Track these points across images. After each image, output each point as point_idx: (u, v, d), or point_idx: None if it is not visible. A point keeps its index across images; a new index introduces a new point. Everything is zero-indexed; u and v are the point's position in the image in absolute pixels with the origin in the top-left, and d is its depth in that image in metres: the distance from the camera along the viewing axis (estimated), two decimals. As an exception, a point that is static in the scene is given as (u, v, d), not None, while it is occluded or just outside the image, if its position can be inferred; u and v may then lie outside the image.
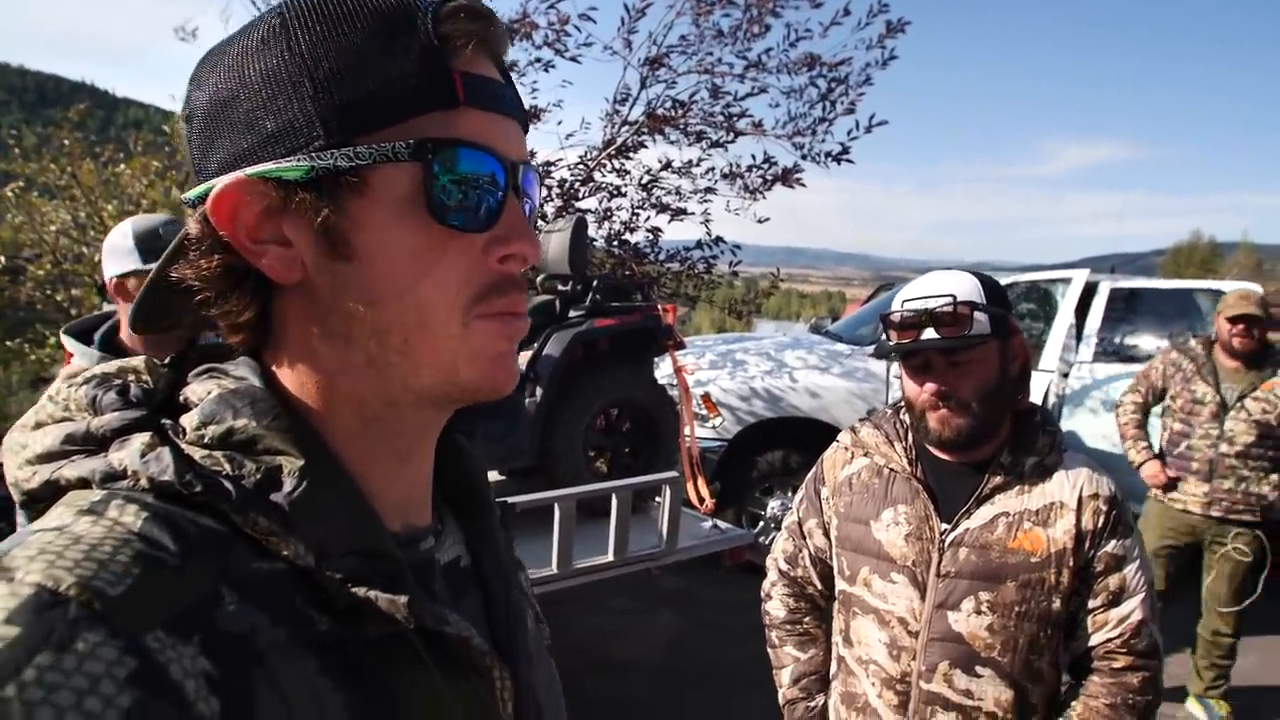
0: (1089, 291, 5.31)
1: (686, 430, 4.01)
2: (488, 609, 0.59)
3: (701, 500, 3.84)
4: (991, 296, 1.42)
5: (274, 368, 0.51)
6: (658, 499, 3.40)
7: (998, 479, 1.43)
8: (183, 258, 0.50)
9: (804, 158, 5.82)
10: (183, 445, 0.45)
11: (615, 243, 6.35)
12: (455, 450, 0.62)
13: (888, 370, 5.19)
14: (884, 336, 1.50)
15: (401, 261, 0.47)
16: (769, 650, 1.70)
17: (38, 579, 0.37)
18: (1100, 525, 1.39)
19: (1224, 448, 3.45)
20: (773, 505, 5.08)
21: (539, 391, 3.66)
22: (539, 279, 4.28)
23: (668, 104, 5.87)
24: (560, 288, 4.10)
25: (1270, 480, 3.43)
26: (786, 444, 5.07)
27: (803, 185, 5.81)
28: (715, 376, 5.30)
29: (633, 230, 6.37)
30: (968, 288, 1.42)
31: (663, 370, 4.78)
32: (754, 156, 6.03)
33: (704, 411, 5.02)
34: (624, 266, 6.21)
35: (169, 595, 0.39)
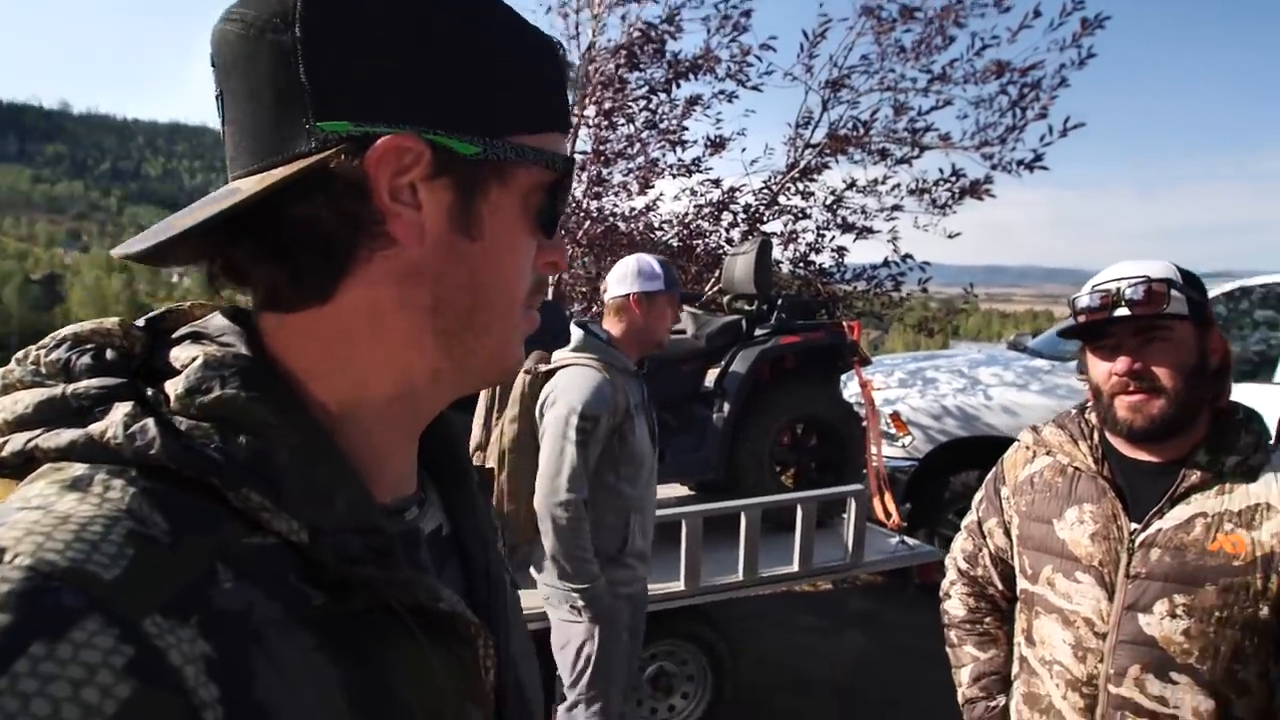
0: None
1: (873, 447, 3.99)
2: (467, 576, 0.59)
3: (888, 516, 3.79)
4: (1188, 284, 1.38)
5: (277, 334, 0.49)
6: (843, 514, 3.42)
7: (1194, 478, 1.38)
8: (311, 196, 0.45)
9: (994, 168, 5.62)
10: (167, 416, 0.43)
11: (801, 264, 6.40)
12: (435, 417, 0.61)
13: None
14: (1072, 320, 1.45)
15: (514, 252, 0.52)
16: (947, 650, 1.71)
17: (28, 562, 0.35)
18: (1314, 530, 1.31)
19: None
20: (968, 528, 4.88)
21: (726, 407, 3.80)
22: (726, 299, 4.45)
23: (850, 124, 5.88)
24: (746, 307, 4.24)
25: None
26: (981, 464, 4.86)
27: (992, 196, 5.60)
28: (905, 395, 5.19)
29: (818, 251, 6.40)
30: (1161, 269, 1.38)
31: (850, 388, 4.77)
32: (941, 171, 5.90)
33: (893, 430, 4.94)
34: (810, 287, 6.24)
35: (164, 576, 0.38)
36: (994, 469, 1.69)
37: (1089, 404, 1.59)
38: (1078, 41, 5.19)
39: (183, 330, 0.50)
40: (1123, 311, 1.37)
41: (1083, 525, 1.46)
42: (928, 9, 5.43)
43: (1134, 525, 1.41)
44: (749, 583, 3.15)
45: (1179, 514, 1.38)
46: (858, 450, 4.02)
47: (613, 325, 2.43)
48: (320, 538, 0.44)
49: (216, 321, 0.50)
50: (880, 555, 3.48)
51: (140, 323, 0.50)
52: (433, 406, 0.55)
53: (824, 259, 6.40)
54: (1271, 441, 1.44)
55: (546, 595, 2.36)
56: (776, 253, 6.15)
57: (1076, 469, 1.51)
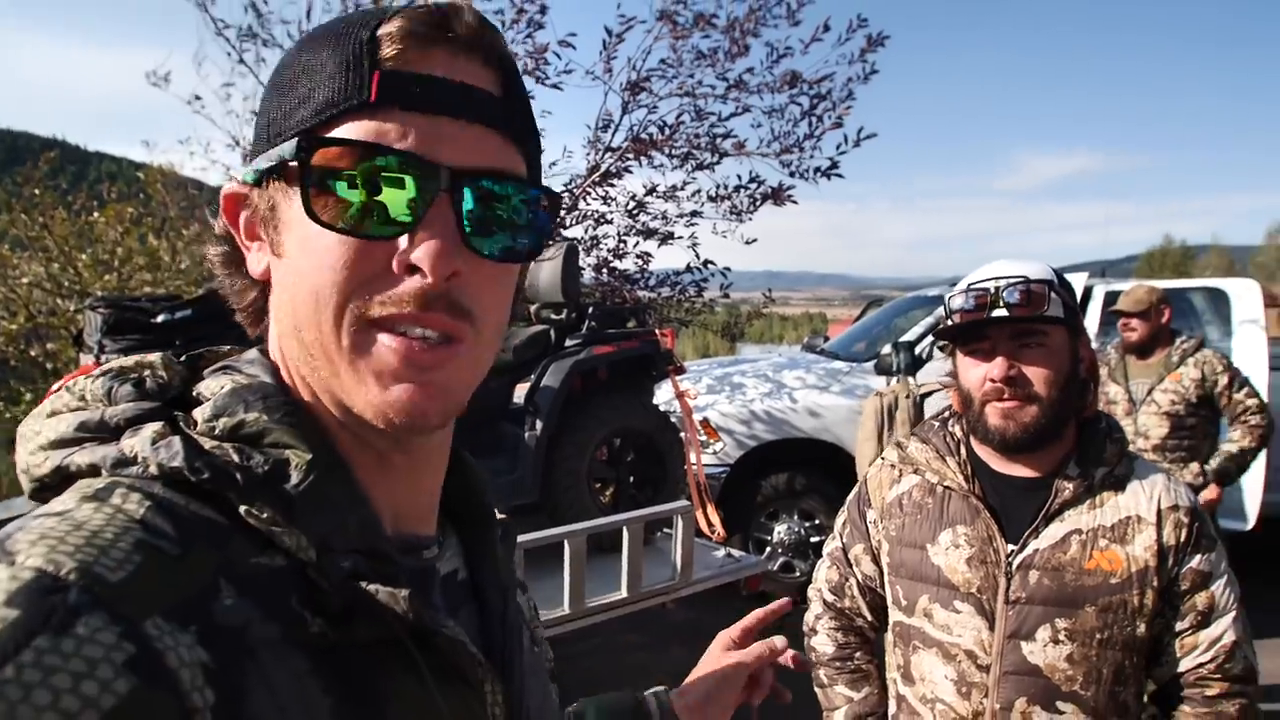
0: (1083, 297, 5.25)
1: (692, 457, 3.88)
2: (483, 624, 0.58)
3: (712, 528, 3.70)
4: (1063, 287, 1.32)
5: (284, 363, 0.52)
6: (667, 530, 3.26)
7: (1066, 493, 1.31)
8: (222, 242, 0.53)
9: (792, 175, 5.77)
10: (193, 435, 0.46)
11: (604, 270, 6.25)
12: (457, 463, 0.61)
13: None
14: (945, 321, 1.37)
15: (306, 254, 0.47)
16: (817, 690, 1.56)
17: (38, 563, 0.37)
18: (1183, 539, 1.27)
19: (1140, 443, 3.46)
20: (779, 530, 4.94)
21: (539, 425, 3.52)
22: (532, 308, 4.17)
23: (650, 128, 5.80)
24: (554, 317, 3.98)
25: (1191, 469, 3.42)
26: (790, 466, 4.94)
27: (794, 202, 5.75)
28: (714, 401, 5.18)
29: (621, 257, 6.28)
30: (1039, 270, 1.31)
31: (660, 396, 4.65)
32: (739, 177, 5.98)
33: (704, 437, 4.89)
34: (615, 294, 6.11)
35: (169, 583, 0.39)
36: (856, 489, 1.56)
37: (949, 415, 1.50)
38: (863, 57, 5.45)
39: (216, 365, 0.53)
40: (1000, 312, 1.28)
41: (958, 550, 1.35)
42: (725, 16, 5.47)
43: (1010, 547, 1.32)
44: (576, 614, 2.90)
45: (1054, 532, 1.31)
46: (676, 462, 3.89)
47: None
48: (328, 556, 0.45)
49: (248, 355, 0.54)
50: (709, 571, 3.36)
51: (181, 358, 0.54)
52: (374, 439, 0.51)
53: (627, 265, 6.30)
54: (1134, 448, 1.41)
55: None
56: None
57: (947, 488, 1.40)
